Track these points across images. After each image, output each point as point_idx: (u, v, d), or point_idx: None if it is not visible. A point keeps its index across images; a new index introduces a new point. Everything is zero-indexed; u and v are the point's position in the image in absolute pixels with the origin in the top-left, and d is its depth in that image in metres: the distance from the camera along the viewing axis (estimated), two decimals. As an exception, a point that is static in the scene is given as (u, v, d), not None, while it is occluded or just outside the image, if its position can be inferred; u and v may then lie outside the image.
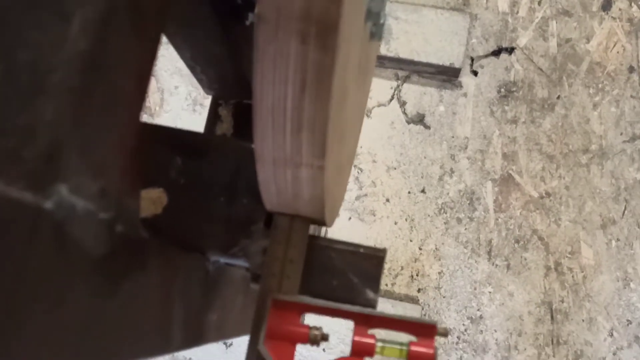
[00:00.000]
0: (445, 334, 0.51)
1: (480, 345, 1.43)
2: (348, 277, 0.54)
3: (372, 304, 0.54)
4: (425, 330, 0.50)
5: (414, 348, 0.49)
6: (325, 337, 0.51)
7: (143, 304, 0.44)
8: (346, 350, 0.52)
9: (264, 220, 0.54)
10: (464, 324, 1.44)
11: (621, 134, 1.51)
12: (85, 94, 0.33)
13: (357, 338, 0.50)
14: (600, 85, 1.53)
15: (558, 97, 1.53)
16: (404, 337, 0.52)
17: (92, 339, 0.35)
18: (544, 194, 1.48)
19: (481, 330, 1.44)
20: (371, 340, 0.50)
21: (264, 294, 0.51)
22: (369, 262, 0.54)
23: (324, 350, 1.46)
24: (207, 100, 1.76)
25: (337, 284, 0.54)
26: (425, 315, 1.45)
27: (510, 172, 1.49)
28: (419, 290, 1.47)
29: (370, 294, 0.53)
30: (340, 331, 1.39)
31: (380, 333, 0.50)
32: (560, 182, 1.48)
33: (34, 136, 0.28)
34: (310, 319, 0.51)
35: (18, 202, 0.26)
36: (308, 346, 0.51)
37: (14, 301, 0.27)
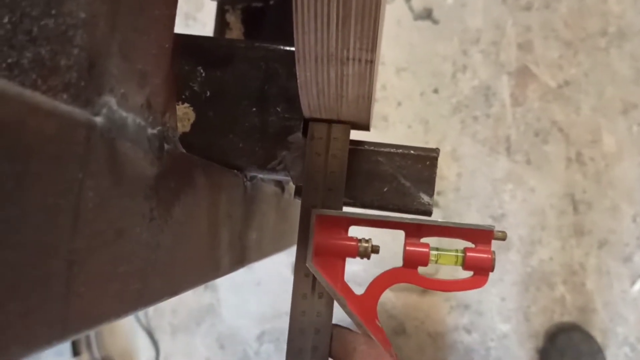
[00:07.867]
0: (503, 237, 0.48)
1: (504, 243, 1.42)
2: (400, 182, 0.50)
3: (428, 209, 0.50)
4: (481, 235, 0.47)
5: (471, 254, 0.46)
6: (375, 249, 0.48)
7: (194, 229, 0.40)
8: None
9: (301, 129, 0.49)
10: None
11: (640, 12, 1.43)
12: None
13: (409, 248, 0.46)
14: (617, -38, 1.44)
15: (573, -22, 1.44)
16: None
17: (153, 270, 0.32)
18: (562, 83, 1.43)
19: (504, 228, 1.42)
20: (424, 249, 0.46)
21: (306, 210, 0.47)
22: (421, 163, 0.49)
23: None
24: (200, 13, 1.67)
25: (388, 190, 0.50)
26: (445, 218, 1.43)
27: (526, 62, 1.43)
28: (438, 194, 1.44)
29: (425, 197, 0.49)
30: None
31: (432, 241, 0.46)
32: (579, 69, 1.42)
33: (69, 40, 0.23)
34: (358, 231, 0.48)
35: (68, 119, 0.21)
36: (358, 259, 0.48)
37: (73, 238, 0.22)
